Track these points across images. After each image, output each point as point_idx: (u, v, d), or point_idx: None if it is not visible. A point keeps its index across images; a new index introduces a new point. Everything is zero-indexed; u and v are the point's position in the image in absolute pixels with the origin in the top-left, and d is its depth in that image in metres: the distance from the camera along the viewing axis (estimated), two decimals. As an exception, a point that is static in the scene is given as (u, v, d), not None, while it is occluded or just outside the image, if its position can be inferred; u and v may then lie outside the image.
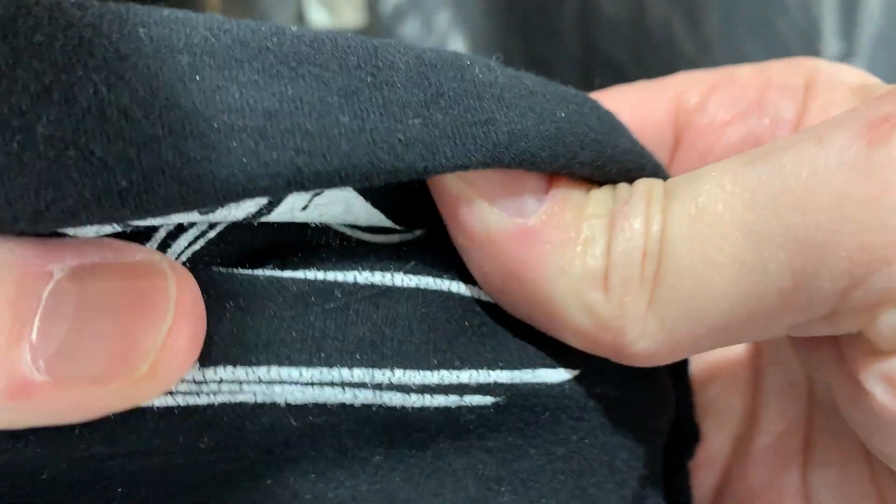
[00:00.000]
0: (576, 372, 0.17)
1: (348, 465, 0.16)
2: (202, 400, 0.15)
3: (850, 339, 0.15)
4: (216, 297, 0.15)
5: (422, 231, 0.18)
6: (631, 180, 0.17)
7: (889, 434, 0.15)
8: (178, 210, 0.13)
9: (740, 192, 0.14)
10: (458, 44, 0.48)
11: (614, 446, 0.18)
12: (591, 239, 0.15)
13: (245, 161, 0.13)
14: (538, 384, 0.17)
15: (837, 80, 0.18)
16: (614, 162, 0.17)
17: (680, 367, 0.21)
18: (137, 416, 0.15)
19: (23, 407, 0.12)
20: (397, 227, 0.17)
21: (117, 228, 0.14)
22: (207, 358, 0.15)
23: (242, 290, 0.15)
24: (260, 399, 0.15)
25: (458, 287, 0.17)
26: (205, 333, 0.14)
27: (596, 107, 0.17)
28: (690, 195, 0.15)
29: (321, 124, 0.14)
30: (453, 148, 0.14)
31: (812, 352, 0.17)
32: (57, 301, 0.12)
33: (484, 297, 0.17)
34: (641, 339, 0.15)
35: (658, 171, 0.18)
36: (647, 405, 0.19)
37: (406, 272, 0.16)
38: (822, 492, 0.20)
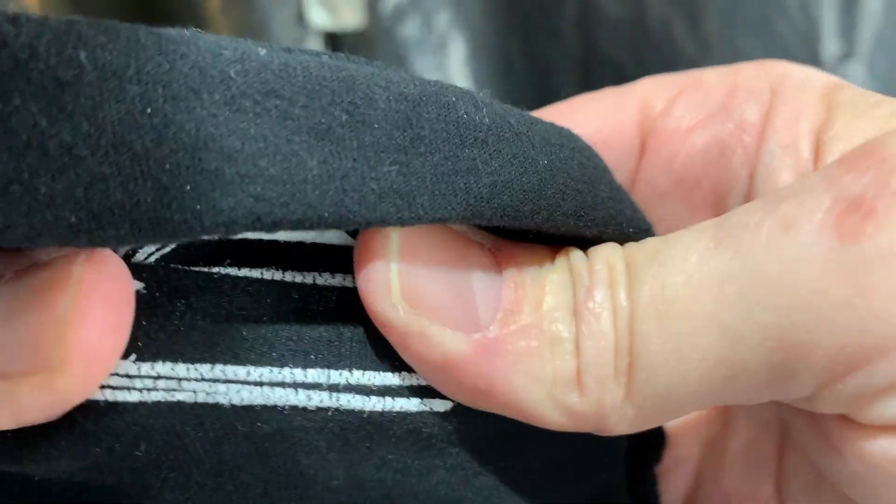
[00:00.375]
0: None
1: (303, 490, 0.15)
2: (133, 396, 0.14)
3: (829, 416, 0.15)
4: (167, 294, 0.14)
5: None
6: (608, 230, 0.16)
7: (856, 487, 0.15)
8: (133, 244, 0.13)
9: (708, 283, 0.14)
10: (458, 44, 0.48)
11: (569, 456, 0.18)
12: (556, 339, 0.14)
13: (199, 207, 0.12)
14: None
15: (805, 83, 0.18)
16: (595, 211, 0.16)
17: None
18: (69, 420, 0.14)
19: None
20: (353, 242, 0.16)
21: None
22: (146, 353, 0.14)
23: (194, 287, 0.14)
24: (201, 398, 0.14)
25: None
26: (129, 324, 0.13)
27: (578, 147, 0.16)
28: (657, 282, 0.14)
29: (286, 169, 0.12)
30: (431, 199, 0.13)
31: (785, 408, 0.17)
32: None
33: None
34: (620, 423, 0.15)
35: (636, 218, 0.17)
36: None
37: None
38: (796, 497, 0.20)
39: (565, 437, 0.16)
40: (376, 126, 0.13)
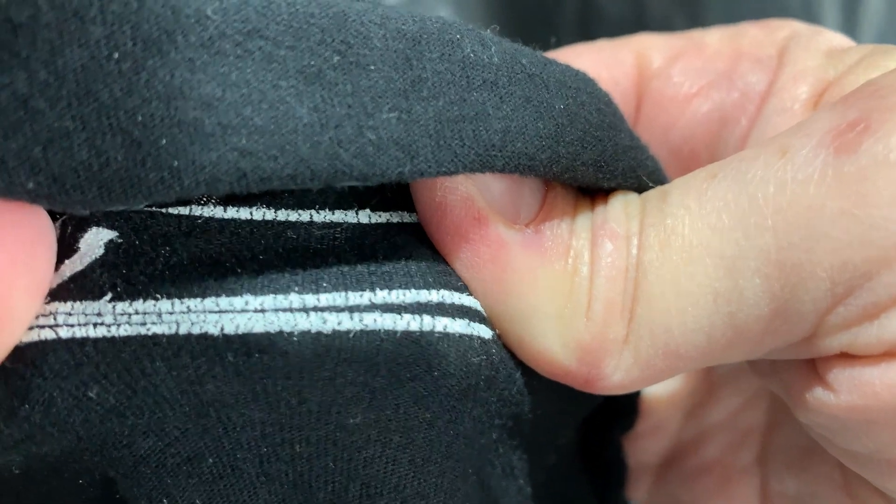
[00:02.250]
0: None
1: (311, 431, 0.14)
2: (97, 332, 0.12)
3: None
4: (148, 241, 0.13)
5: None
6: (627, 183, 0.16)
7: (846, 433, 0.15)
8: (103, 208, 0.11)
9: (707, 213, 0.13)
10: (457, 43, 0.48)
11: (542, 415, 0.17)
12: (579, 258, 0.14)
13: (176, 164, 0.11)
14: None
15: (811, 44, 0.17)
16: (615, 161, 0.15)
17: None
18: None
19: None
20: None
21: None
22: (124, 293, 0.12)
23: (177, 232, 0.13)
24: (183, 330, 0.12)
25: None
26: (45, 256, 0.12)
27: (595, 92, 0.15)
28: (659, 217, 0.14)
29: (272, 118, 0.11)
30: (435, 150, 0.12)
31: (768, 368, 0.17)
32: None
33: None
34: (616, 371, 0.14)
35: (656, 171, 0.16)
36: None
37: (373, 209, 0.14)
38: (782, 473, 0.19)
39: (529, 389, 0.15)
40: (372, 68, 0.12)
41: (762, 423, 0.20)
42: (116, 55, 0.10)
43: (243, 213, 0.13)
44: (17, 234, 0.11)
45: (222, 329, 0.13)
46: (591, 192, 0.16)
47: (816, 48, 0.17)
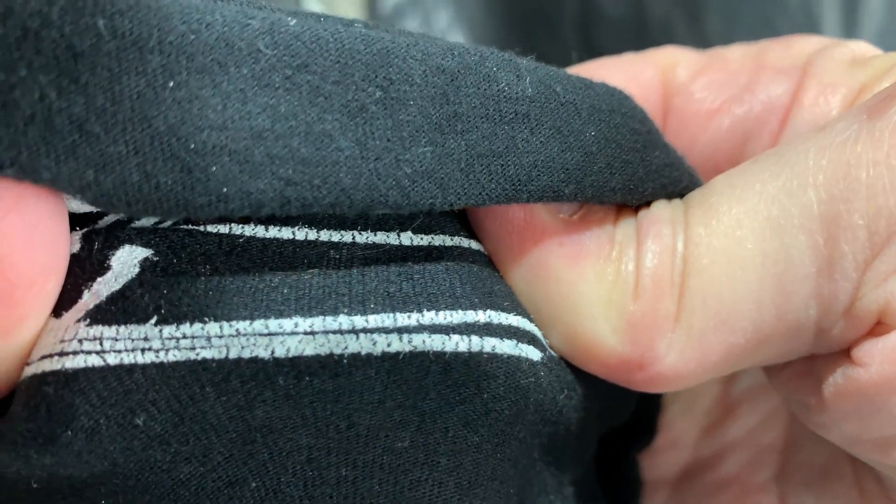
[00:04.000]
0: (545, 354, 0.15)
1: (359, 455, 0.13)
2: (145, 358, 0.12)
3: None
4: (186, 259, 0.13)
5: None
6: (663, 196, 0.16)
7: (878, 414, 0.15)
8: (139, 217, 0.12)
9: (751, 185, 0.14)
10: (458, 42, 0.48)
11: (577, 433, 0.17)
12: (624, 245, 0.15)
13: (225, 190, 0.11)
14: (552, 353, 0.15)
15: (835, 55, 0.17)
16: (644, 183, 0.15)
17: None
18: (35, 394, 0.12)
19: None
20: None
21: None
22: (169, 316, 0.13)
23: (217, 250, 0.13)
24: (233, 354, 0.12)
25: (477, 245, 0.15)
26: (59, 239, 0.12)
27: (630, 111, 0.15)
28: (704, 199, 0.15)
29: (318, 150, 0.12)
30: (465, 184, 0.13)
31: (784, 366, 0.17)
32: None
33: None
34: (670, 352, 0.14)
35: (692, 183, 0.17)
36: (609, 391, 0.17)
37: (415, 231, 0.14)
38: (800, 491, 0.19)
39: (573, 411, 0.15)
40: (412, 103, 0.12)
41: (781, 441, 0.20)
42: (171, 84, 0.11)
43: (285, 233, 0.13)
44: (38, 208, 0.12)
45: (273, 353, 0.13)
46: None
47: (841, 58, 0.17)
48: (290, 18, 0.12)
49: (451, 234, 0.15)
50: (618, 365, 0.15)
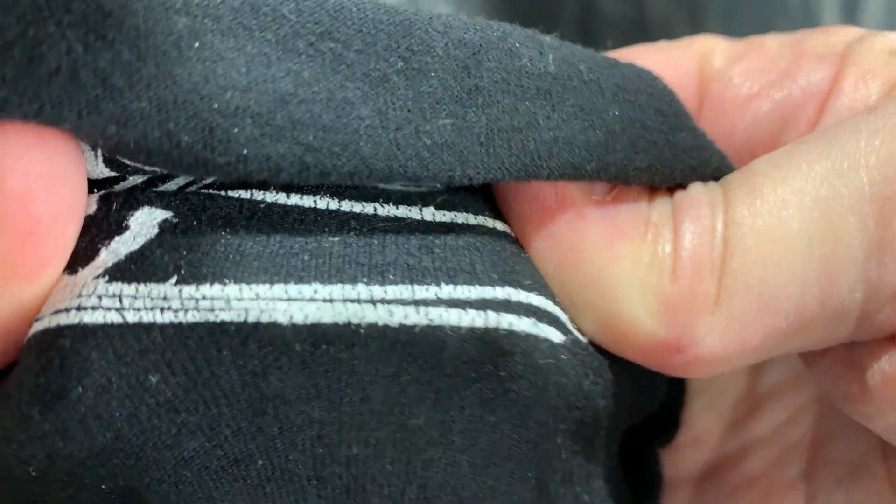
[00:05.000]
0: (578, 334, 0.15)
1: (371, 431, 0.13)
2: (164, 317, 0.12)
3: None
4: (206, 222, 0.13)
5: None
6: (691, 181, 0.16)
7: None
8: (158, 169, 0.12)
9: (797, 166, 0.14)
10: (457, 44, 0.48)
11: (604, 424, 0.16)
12: (660, 227, 0.14)
13: (246, 152, 0.11)
14: (580, 338, 0.15)
15: (875, 44, 0.17)
16: (672, 163, 0.15)
17: None
18: (48, 346, 0.12)
19: None
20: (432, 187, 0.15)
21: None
22: (189, 276, 0.13)
23: (238, 215, 0.13)
24: (252, 317, 0.12)
25: (503, 227, 0.15)
26: (78, 184, 0.12)
27: (658, 92, 0.15)
28: (747, 179, 0.14)
29: (339, 117, 0.11)
30: (484, 158, 0.12)
31: (824, 354, 0.17)
32: None
33: None
34: (709, 337, 0.14)
35: (723, 165, 0.16)
36: (637, 385, 0.17)
37: (437, 207, 0.14)
38: (830, 488, 0.19)
39: (601, 395, 0.15)
40: (433, 75, 0.12)
41: (808, 438, 0.20)
42: (196, 44, 0.11)
43: (307, 201, 0.13)
44: (58, 146, 0.12)
45: (291, 318, 0.12)
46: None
47: (881, 48, 0.17)
48: None
49: (476, 213, 0.15)
50: (654, 349, 0.15)
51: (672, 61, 0.18)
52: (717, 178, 0.16)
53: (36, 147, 0.11)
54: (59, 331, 0.12)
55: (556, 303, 0.15)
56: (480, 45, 0.13)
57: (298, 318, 0.12)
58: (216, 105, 0.11)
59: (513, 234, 0.15)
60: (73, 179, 0.12)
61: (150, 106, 0.11)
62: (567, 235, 0.14)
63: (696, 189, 0.15)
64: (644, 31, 0.43)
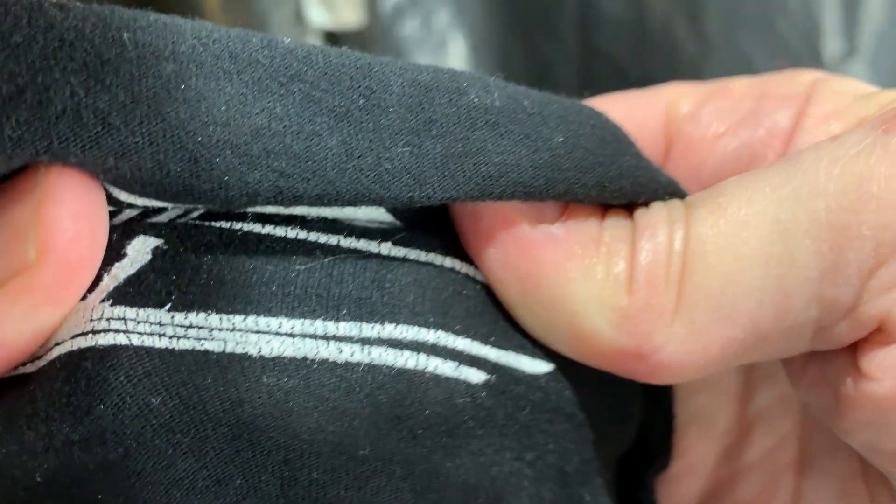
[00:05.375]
0: (551, 367, 0.17)
1: (328, 460, 0.15)
2: (161, 343, 0.14)
3: (862, 341, 0.15)
4: (191, 249, 0.14)
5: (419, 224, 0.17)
6: (641, 199, 0.16)
7: (894, 428, 0.15)
8: (152, 199, 0.13)
9: (761, 189, 0.15)
10: (457, 43, 0.48)
11: (570, 451, 0.17)
12: (614, 247, 0.15)
13: (227, 179, 0.13)
14: (517, 372, 0.16)
15: (840, 87, 0.18)
16: (620, 180, 0.16)
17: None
18: (74, 368, 0.14)
19: None
20: (396, 222, 0.16)
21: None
22: (179, 304, 0.14)
23: (219, 242, 0.15)
24: (230, 348, 0.14)
25: (451, 263, 0.16)
26: (106, 227, 0.14)
27: (599, 124, 0.16)
28: (711, 198, 0.15)
29: (308, 147, 0.13)
30: (441, 179, 0.14)
31: (803, 372, 0.17)
32: None
33: (479, 277, 0.16)
34: (668, 345, 0.15)
35: (672, 187, 0.17)
36: (609, 413, 0.18)
37: (394, 243, 0.16)
38: None
39: (574, 428, 0.16)
40: (391, 110, 0.14)
41: (796, 462, 0.20)
42: (183, 87, 0.13)
43: (279, 231, 0.15)
44: (92, 197, 0.13)
45: (260, 350, 0.14)
46: (630, 208, 0.17)
47: (845, 90, 0.18)
48: (285, 39, 0.14)
49: (428, 250, 0.16)
50: (618, 357, 0.16)
51: (640, 108, 0.20)
52: (669, 193, 0.17)
53: (84, 195, 0.13)
54: (82, 353, 0.14)
55: (484, 341, 0.16)
56: (432, 85, 0.14)
57: (265, 351, 0.14)
58: (199, 138, 0.13)
59: (460, 270, 0.16)
60: (105, 221, 0.14)
61: (143, 140, 0.12)
62: (523, 264, 0.15)
63: (657, 208, 0.16)
64: (644, 32, 0.43)
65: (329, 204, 0.14)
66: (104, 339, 0.14)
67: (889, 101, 0.17)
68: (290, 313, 0.14)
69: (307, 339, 0.14)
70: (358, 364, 0.15)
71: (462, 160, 0.14)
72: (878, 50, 0.39)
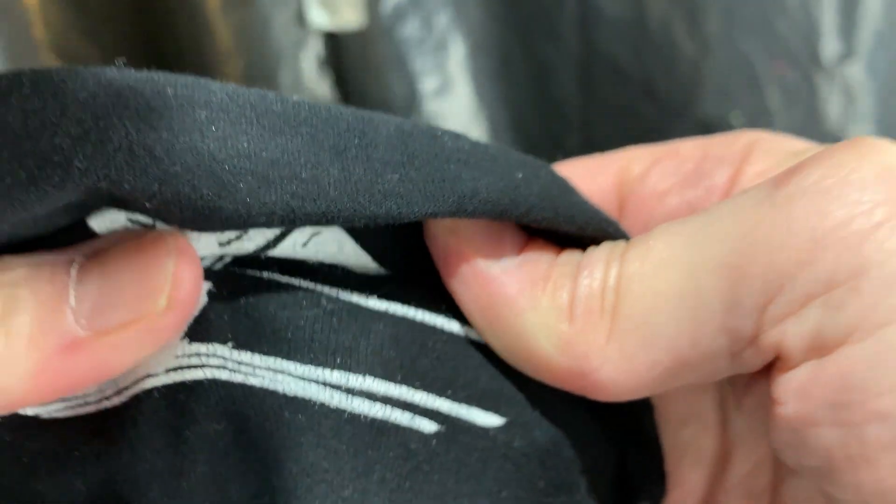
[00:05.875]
0: (503, 420, 0.19)
1: (326, 492, 0.17)
2: (223, 375, 0.17)
3: (770, 367, 0.17)
4: (232, 291, 0.17)
5: (401, 271, 0.20)
6: (588, 230, 0.19)
7: (805, 446, 0.17)
8: (186, 227, 0.16)
9: (679, 233, 0.17)
10: (458, 44, 0.48)
11: (523, 499, 0.20)
12: (559, 282, 0.18)
13: (249, 200, 0.15)
14: (468, 423, 0.19)
15: (774, 147, 0.20)
16: (571, 209, 0.19)
17: (645, 417, 0.22)
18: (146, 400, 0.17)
19: (75, 361, 0.16)
20: (382, 270, 0.19)
21: None
22: (235, 341, 0.17)
23: (250, 286, 0.18)
24: (266, 384, 0.17)
25: (422, 315, 0.19)
26: (202, 280, 0.17)
27: (550, 171, 0.19)
28: (643, 241, 0.18)
29: (314, 174, 0.16)
30: (424, 199, 0.17)
31: (744, 398, 0.20)
32: (83, 274, 0.16)
33: (447, 328, 0.19)
34: (604, 366, 0.17)
35: (614, 226, 0.20)
36: (581, 453, 0.20)
37: (379, 297, 0.19)
38: None
39: (539, 471, 0.19)
40: (380, 147, 0.17)
41: (770, 486, 0.22)
42: (213, 128, 0.15)
43: (294, 281, 0.18)
44: (196, 260, 0.17)
45: (283, 389, 0.17)
46: (583, 246, 0.19)
47: (779, 150, 0.20)
48: (294, 96, 0.16)
49: (405, 303, 0.19)
50: (566, 375, 0.18)
51: (596, 171, 0.22)
52: (612, 230, 0.20)
53: (196, 260, 0.16)
54: (178, 387, 0.17)
55: (440, 394, 0.19)
56: (412, 131, 0.17)
57: (287, 390, 0.17)
58: (227, 167, 0.15)
59: (431, 323, 0.19)
60: (201, 275, 0.17)
61: (181, 169, 0.15)
62: (484, 298, 0.18)
63: (601, 248, 0.18)
64: (644, 33, 0.43)
65: (332, 221, 0.16)
66: (191, 374, 0.17)
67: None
68: (301, 358, 0.17)
69: (311, 384, 0.17)
70: (343, 411, 0.17)
71: (441, 184, 0.17)
72: (876, 51, 0.40)
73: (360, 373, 0.18)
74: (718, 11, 0.41)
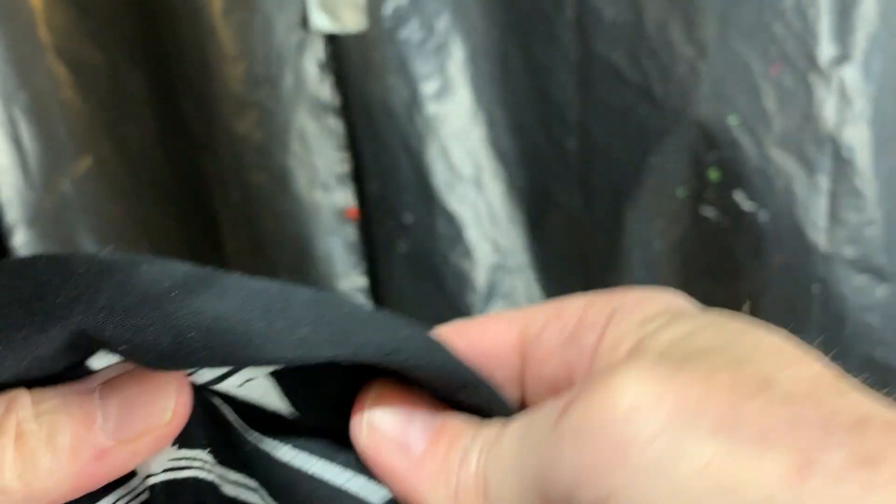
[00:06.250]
0: None
1: None
2: (202, 475, 0.22)
3: None
4: (202, 404, 0.22)
5: (313, 419, 0.24)
6: (480, 393, 0.23)
7: None
8: (206, 366, 0.20)
9: (511, 442, 0.21)
10: (457, 46, 0.48)
11: None
12: (451, 469, 0.22)
13: (258, 344, 0.20)
14: None
15: (627, 318, 0.23)
16: (448, 365, 0.23)
17: None
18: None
19: (103, 465, 0.20)
20: (297, 414, 0.24)
21: None
22: (209, 447, 0.22)
23: (218, 403, 0.22)
24: (219, 484, 0.22)
25: (313, 470, 0.23)
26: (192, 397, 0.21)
27: (429, 335, 0.23)
28: (497, 443, 0.22)
29: (299, 337, 0.20)
30: (327, 348, 0.21)
31: None
32: (104, 398, 0.20)
33: (332, 482, 0.23)
34: None
35: (497, 390, 0.24)
36: None
37: (292, 446, 0.23)
38: None
39: None
40: (295, 309, 0.21)
41: None
42: (233, 322, 0.19)
43: (230, 416, 0.23)
44: (187, 388, 0.20)
45: (229, 493, 0.22)
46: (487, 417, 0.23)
47: (632, 318, 0.23)
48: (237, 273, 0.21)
49: (309, 455, 0.23)
50: None
51: (501, 332, 0.26)
52: (495, 401, 0.24)
53: (186, 381, 0.20)
54: (171, 483, 0.22)
55: None
56: (322, 300, 0.22)
57: (233, 494, 0.23)
58: (251, 326, 0.20)
59: (318, 476, 0.23)
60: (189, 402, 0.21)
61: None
62: (396, 482, 0.23)
63: (480, 437, 0.22)
64: (641, 34, 0.43)
65: (305, 361, 0.20)
66: (181, 474, 0.22)
67: (658, 325, 0.22)
68: (247, 475, 0.23)
69: (249, 491, 0.23)
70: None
71: (341, 337, 0.21)
72: (871, 54, 0.40)
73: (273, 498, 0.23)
74: (715, 15, 0.41)
